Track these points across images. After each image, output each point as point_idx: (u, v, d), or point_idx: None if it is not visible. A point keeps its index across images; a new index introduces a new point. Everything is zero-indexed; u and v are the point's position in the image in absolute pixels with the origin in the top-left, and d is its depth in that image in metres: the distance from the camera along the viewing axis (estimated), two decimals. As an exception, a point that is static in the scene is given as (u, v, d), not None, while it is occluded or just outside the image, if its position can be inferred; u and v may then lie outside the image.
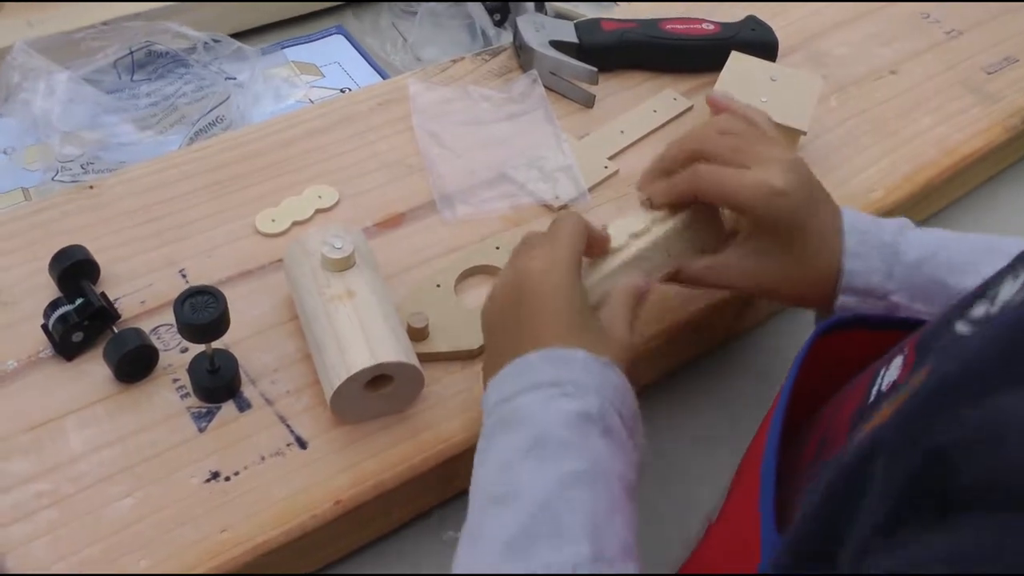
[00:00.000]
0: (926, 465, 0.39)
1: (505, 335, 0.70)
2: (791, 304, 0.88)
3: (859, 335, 0.69)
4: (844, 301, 0.77)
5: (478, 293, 0.88)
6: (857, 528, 0.42)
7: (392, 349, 0.74)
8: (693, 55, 1.14)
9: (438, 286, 0.87)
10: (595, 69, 1.06)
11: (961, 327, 0.50)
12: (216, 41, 1.17)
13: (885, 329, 0.67)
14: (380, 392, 0.75)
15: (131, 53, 1.15)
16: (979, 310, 0.50)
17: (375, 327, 0.75)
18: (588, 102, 1.08)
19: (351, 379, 0.72)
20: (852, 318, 0.70)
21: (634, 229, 0.79)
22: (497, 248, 0.90)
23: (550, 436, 0.61)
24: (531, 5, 1.23)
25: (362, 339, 0.74)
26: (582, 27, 1.13)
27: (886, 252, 0.76)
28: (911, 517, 0.39)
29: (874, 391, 0.56)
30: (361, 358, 0.73)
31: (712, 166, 0.78)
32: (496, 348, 0.71)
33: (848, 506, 0.43)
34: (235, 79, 1.15)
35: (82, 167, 1.03)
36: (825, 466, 0.52)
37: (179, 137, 1.07)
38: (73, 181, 1.01)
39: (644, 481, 0.65)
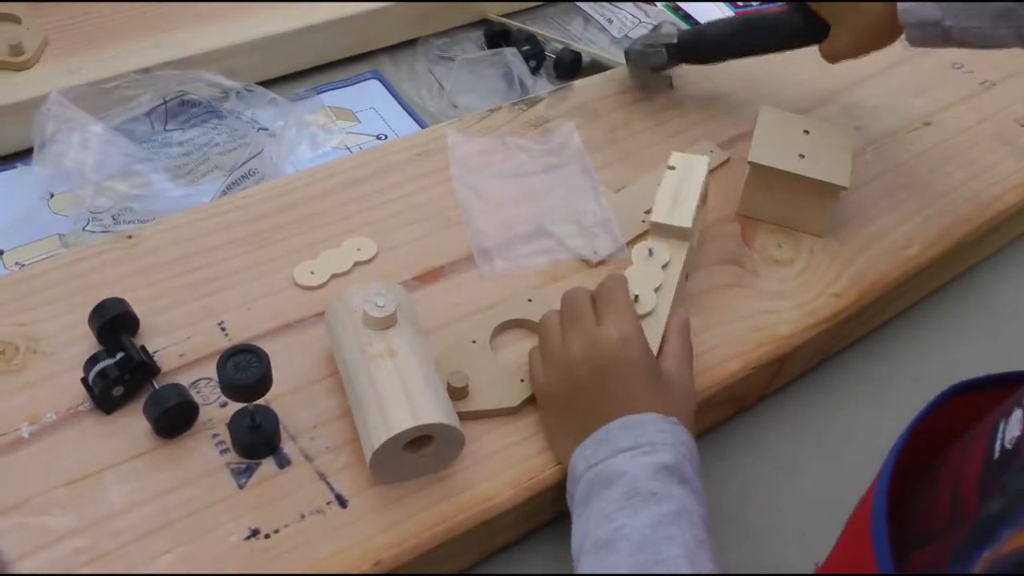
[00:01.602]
0: None
1: (584, 406, 0.78)
2: None
3: (972, 399, 0.71)
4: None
5: (515, 348, 0.89)
6: None
7: (434, 410, 0.74)
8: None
9: (473, 342, 0.87)
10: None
11: None
12: (249, 91, 1.18)
13: (997, 388, 0.69)
14: (420, 453, 0.75)
15: (164, 103, 1.16)
16: None
17: (416, 387, 0.75)
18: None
19: (392, 440, 0.72)
20: (966, 385, 0.72)
21: (655, 285, 0.87)
22: (530, 301, 0.91)
23: (640, 487, 0.70)
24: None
25: (404, 399, 0.74)
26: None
27: None
28: None
29: (997, 446, 0.59)
30: (403, 419, 0.73)
31: None
32: (576, 416, 0.79)
33: None
34: (267, 129, 1.16)
35: (113, 218, 1.04)
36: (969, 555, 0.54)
37: (211, 188, 1.08)
38: (104, 231, 1.02)
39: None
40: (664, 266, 0.88)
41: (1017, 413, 0.58)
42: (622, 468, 0.72)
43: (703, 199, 0.94)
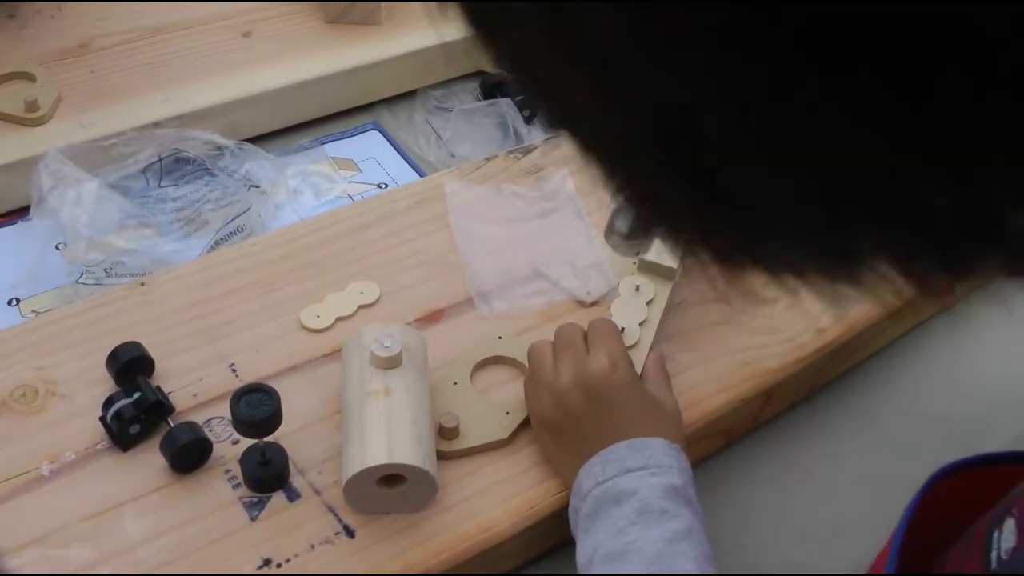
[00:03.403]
0: None
1: (580, 430, 0.82)
2: None
3: (968, 477, 0.77)
4: None
5: (495, 383, 0.92)
6: None
7: (409, 452, 0.77)
8: None
9: (455, 383, 0.91)
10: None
11: None
12: (241, 148, 1.22)
13: (984, 467, 0.75)
14: (394, 490, 0.79)
15: (160, 160, 1.20)
16: None
17: (400, 427, 0.78)
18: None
19: (363, 472, 0.76)
20: (963, 463, 0.78)
21: (640, 319, 0.93)
22: (500, 338, 0.95)
23: (652, 505, 0.74)
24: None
25: (384, 437, 0.77)
26: None
27: None
28: None
29: (993, 556, 0.62)
30: (378, 455, 0.76)
31: None
32: (569, 440, 0.83)
33: None
34: (259, 187, 1.20)
35: (105, 271, 1.07)
36: None
37: (200, 243, 1.11)
38: (96, 284, 1.06)
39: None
40: (649, 302, 0.94)
41: (1010, 523, 0.62)
42: (632, 486, 0.76)
43: None
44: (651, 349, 0.91)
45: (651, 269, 0.96)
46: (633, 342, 0.91)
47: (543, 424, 0.85)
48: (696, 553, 0.72)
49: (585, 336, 0.87)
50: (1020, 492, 0.64)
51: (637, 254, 0.97)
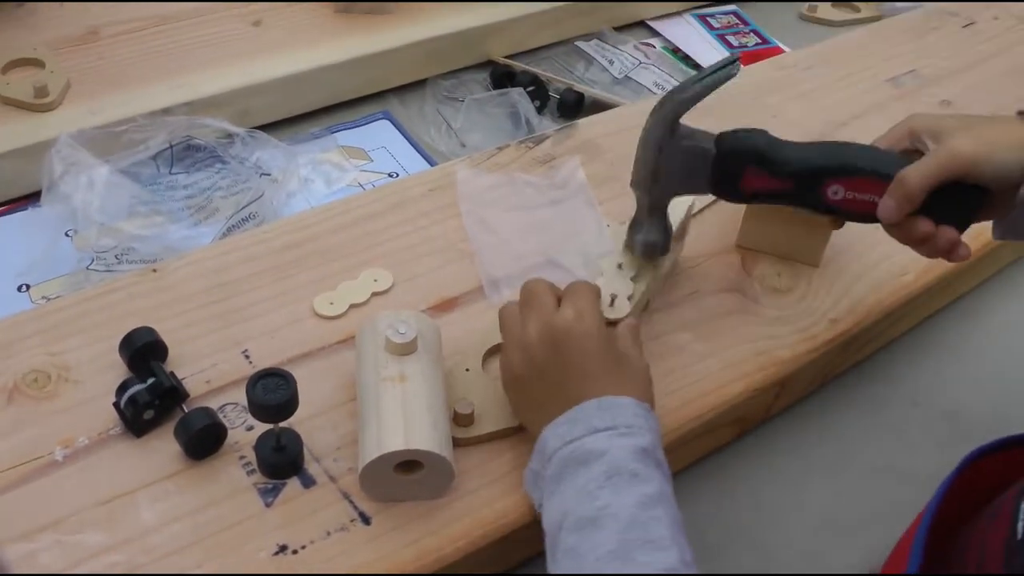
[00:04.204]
0: None
1: (547, 383, 0.80)
2: None
3: (1005, 456, 0.77)
4: None
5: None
6: None
7: (426, 438, 0.77)
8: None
9: (467, 370, 0.90)
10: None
11: None
12: (253, 136, 1.22)
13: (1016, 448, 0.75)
14: (410, 477, 0.78)
15: (171, 147, 1.20)
16: None
17: (417, 414, 0.78)
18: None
19: (381, 459, 0.76)
20: (999, 443, 0.78)
21: (629, 293, 0.93)
22: None
23: (622, 467, 0.72)
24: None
25: (401, 423, 0.77)
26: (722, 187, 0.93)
27: None
28: None
29: (1020, 526, 0.63)
30: (395, 441, 0.76)
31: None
32: (538, 396, 0.81)
33: None
34: (270, 174, 1.20)
35: (116, 257, 1.07)
36: None
37: (212, 230, 1.11)
38: (107, 270, 1.06)
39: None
40: (633, 278, 0.94)
41: None
42: (600, 447, 0.74)
43: (680, 236, 1.00)
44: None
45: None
46: (622, 315, 0.90)
47: (511, 381, 0.84)
48: (669, 518, 0.71)
49: (553, 292, 0.85)
50: None
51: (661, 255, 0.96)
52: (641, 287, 0.94)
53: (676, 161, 0.89)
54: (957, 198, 0.85)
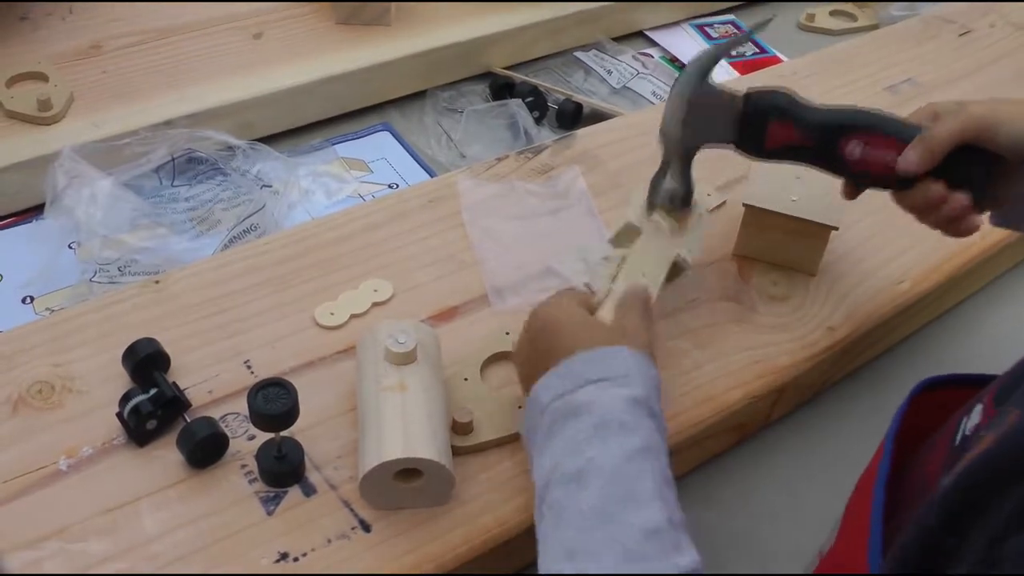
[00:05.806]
0: None
1: (538, 356, 0.79)
2: None
3: (944, 394, 0.79)
4: None
5: (504, 378, 0.93)
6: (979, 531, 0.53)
7: (426, 446, 0.77)
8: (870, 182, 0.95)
9: (465, 379, 0.91)
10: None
11: None
12: (254, 148, 1.23)
13: (967, 387, 0.76)
14: (410, 485, 0.79)
15: (173, 160, 1.21)
16: None
17: (417, 422, 0.79)
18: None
19: (381, 467, 0.76)
20: (942, 379, 0.81)
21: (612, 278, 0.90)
22: (507, 334, 0.95)
23: (611, 419, 0.71)
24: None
25: (400, 431, 0.78)
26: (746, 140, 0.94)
27: None
28: None
29: (959, 437, 0.65)
30: (394, 449, 0.77)
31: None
32: (533, 370, 0.79)
33: (970, 513, 0.55)
34: (271, 187, 1.21)
35: (119, 269, 1.08)
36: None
37: (214, 241, 1.12)
38: (110, 282, 1.06)
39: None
40: (619, 264, 0.93)
41: (978, 408, 0.65)
42: (591, 399, 0.72)
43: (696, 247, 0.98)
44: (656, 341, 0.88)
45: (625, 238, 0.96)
46: (601, 296, 0.88)
47: (518, 366, 0.85)
48: (655, 473, 0.69)
49: (581, 299, 0.86)
50: (992, 386, 0.67)
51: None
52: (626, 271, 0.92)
53: (703, 112, 0.91)
54: (972, 163, 0.87)
